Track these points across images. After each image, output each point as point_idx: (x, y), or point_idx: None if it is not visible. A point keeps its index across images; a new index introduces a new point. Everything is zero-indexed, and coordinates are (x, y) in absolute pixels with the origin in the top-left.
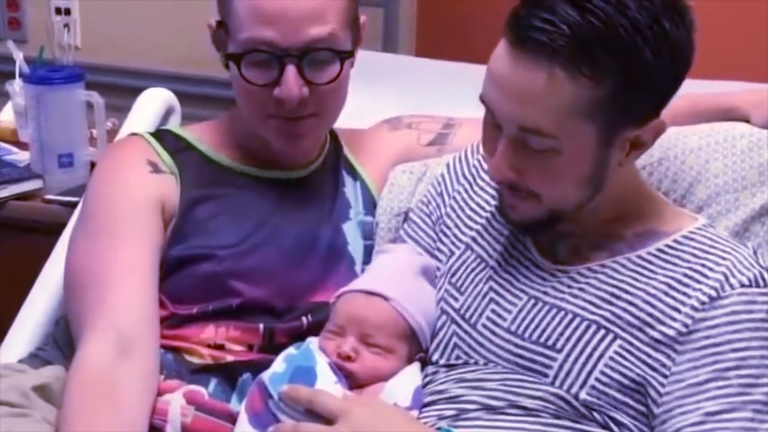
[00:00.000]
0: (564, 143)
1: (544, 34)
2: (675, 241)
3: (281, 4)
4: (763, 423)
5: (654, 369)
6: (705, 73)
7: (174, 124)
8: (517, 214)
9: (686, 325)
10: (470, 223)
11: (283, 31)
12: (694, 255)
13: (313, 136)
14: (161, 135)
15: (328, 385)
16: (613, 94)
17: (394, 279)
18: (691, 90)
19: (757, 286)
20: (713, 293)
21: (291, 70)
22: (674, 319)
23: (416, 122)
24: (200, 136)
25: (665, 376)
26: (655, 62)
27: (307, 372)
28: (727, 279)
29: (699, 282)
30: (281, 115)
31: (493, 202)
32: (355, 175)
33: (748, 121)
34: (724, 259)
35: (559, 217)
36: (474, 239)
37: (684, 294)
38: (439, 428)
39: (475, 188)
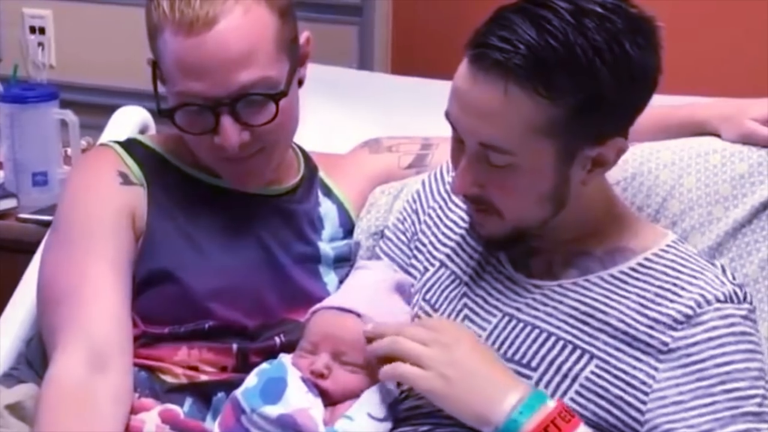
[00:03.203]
0: (522, 159)
1: (500, 53)
2: (646, 259)
3: (204, 54)
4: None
5: (633, 387)
6: (675, 88)
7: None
8: (484, 230)
9: (665, 344)
10: (444, 240)
11: (211, 82)
12: (665, 273)
13: (263, 169)
14: (130, 145)
15: (298, 393)
16: (570, 114)
17: (367, 296)
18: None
19: (732, 302)
20: (690, 311)
21: (226, 120)
22: (651, 336)
23: (396, 145)
24: (168, 146)
25: (645, 393)
26: (614, 84)
27: (278, 382)
28: (702, 296)
29: (672, 301)
30: (227, 157)
31: (467, 219)
32: (332, 197)
33: (718, 136)
34: (696, 278)
35: (524, 233)
36: (448, 256)
37: (657, 312)
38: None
39: (450, 205)
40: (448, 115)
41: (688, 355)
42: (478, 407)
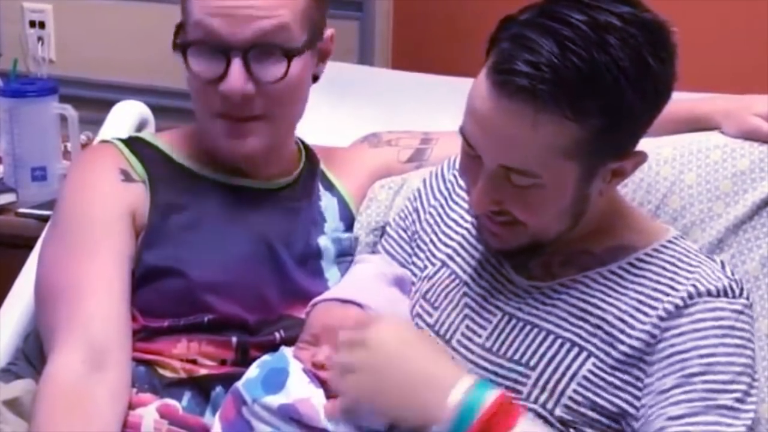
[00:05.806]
0: (546, 180)
1: (526, 78)
2: (645, 254)
3: (232, 1)
4: (730, 427)
5: (629, 384)
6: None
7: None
8: (499, 241)
9: (654, 336)
10: (445, 239)
11: (230, 23)
12: (664, 269)
13: (261, 138)
14: (132, 142)
15: (300, 384)
16: (596, 133)
17: (367, 287)
18: None
19: (725, 296)
20: (680, 302)
21: (236, 63)
22: (643, 331)
23: (395, 139)
24: (171, 143)
25: (640, 390)
26: (640, 102)
27: (280, 372)
28: (695, 288)
29: (667, 295)
30: (228, 113)
31: (468, 218)
32: (333, 190)
33: (720, 131)
34: (691, 273)
35: (540, 243)
36: (449, 256)
37: (652, 308)
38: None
39: (451, 204)
40: (463, 132)
41: (673, 345)
42: (420, 413)
